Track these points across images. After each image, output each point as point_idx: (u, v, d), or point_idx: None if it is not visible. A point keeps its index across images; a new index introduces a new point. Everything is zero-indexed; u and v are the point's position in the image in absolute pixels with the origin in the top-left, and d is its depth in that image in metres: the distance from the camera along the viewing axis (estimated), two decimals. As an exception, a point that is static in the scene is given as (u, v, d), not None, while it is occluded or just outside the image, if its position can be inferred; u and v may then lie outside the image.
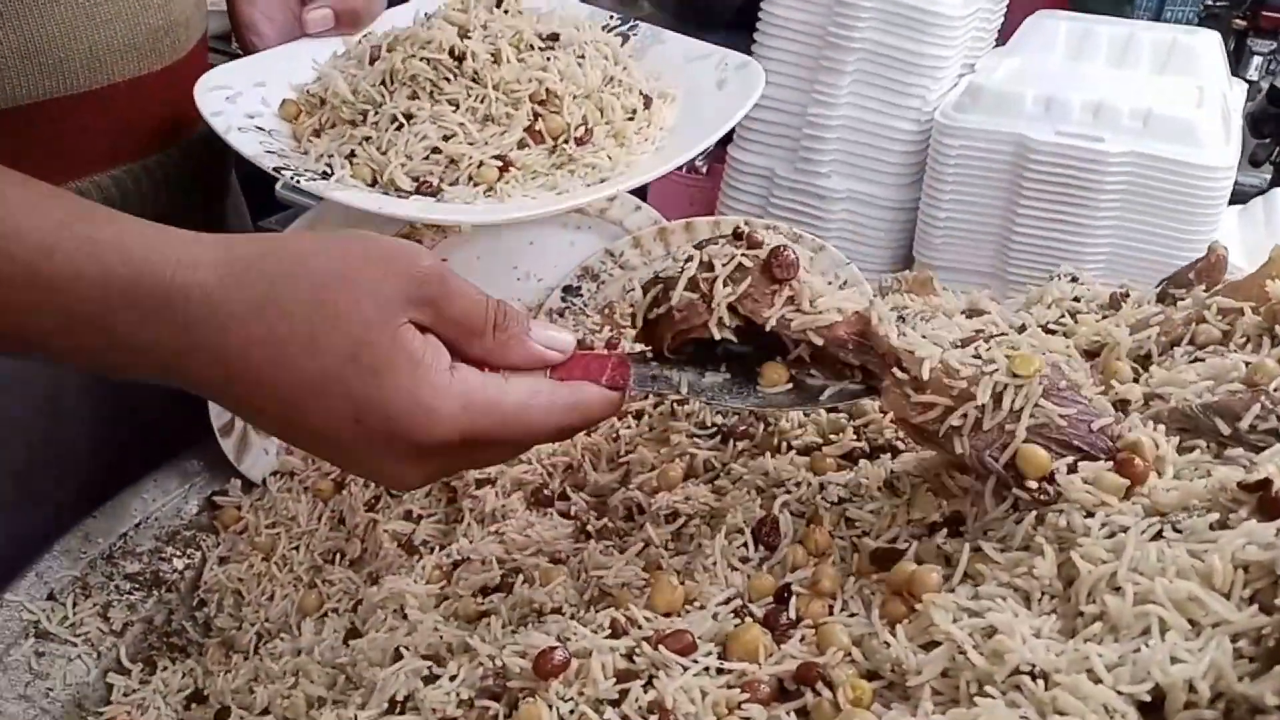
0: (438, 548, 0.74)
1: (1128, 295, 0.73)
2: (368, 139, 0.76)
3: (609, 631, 0.53)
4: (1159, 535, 0.47)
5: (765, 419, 0.68)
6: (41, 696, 0.69)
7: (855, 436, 0.66)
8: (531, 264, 1.03)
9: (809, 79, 1.32)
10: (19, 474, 0.82)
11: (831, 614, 0.53)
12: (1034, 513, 0.51)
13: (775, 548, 0.58)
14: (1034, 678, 0.42)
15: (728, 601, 0.55)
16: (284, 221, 1.75)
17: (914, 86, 1.28)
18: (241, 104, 0.78)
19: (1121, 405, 0.58)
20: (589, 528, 0.69)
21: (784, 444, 0.67)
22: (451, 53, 0.78)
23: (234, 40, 0.91)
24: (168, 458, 0.85)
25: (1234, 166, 1.14)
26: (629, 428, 0.75)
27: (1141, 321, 0.64)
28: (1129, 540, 0.46)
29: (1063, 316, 0.72)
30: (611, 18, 0.94)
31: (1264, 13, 3.19)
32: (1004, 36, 1.50)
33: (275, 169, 0.72)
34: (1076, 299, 0.75)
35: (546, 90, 0.79)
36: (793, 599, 0.53)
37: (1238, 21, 3.32)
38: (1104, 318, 0.72)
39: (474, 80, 0.77)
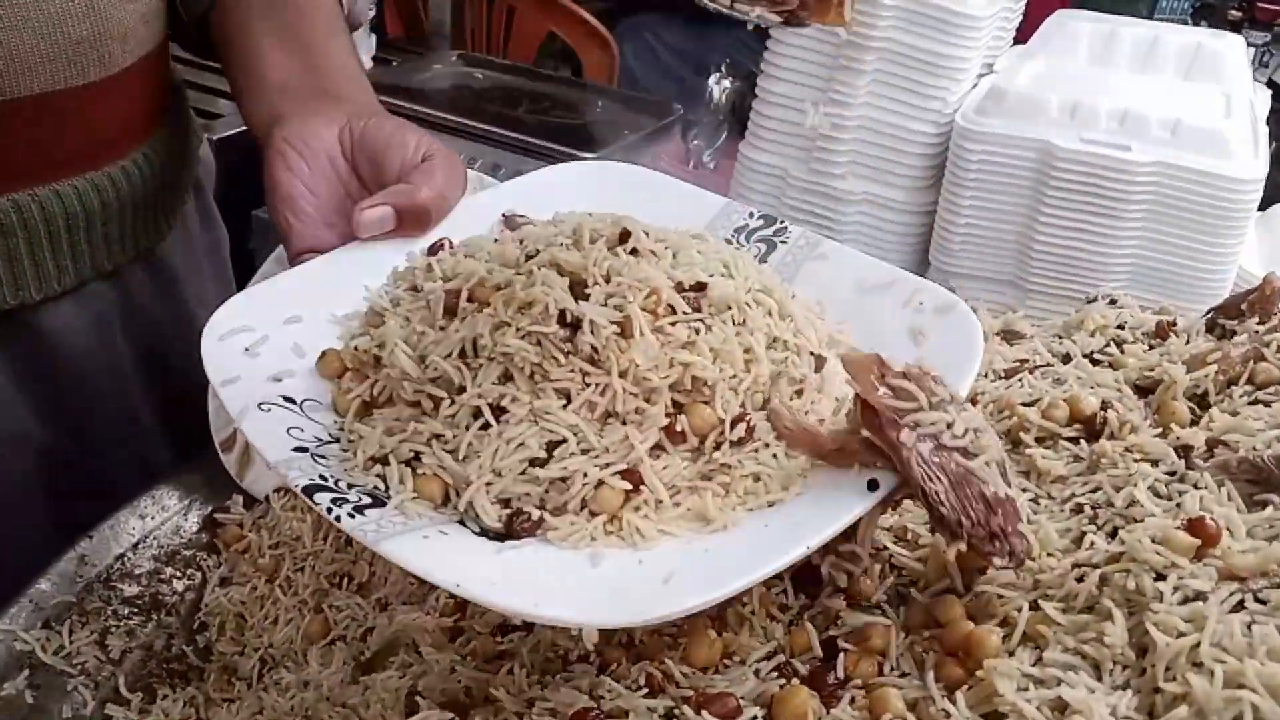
0: (452, 577, 0.71)
1: (1175, 324, 0.70)
2: (438, 437, 0.54)
3: (645, 689, 0.50)
4: (1240, 606, 0.44)
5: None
6: (37, 732, 0.66)
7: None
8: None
9: (826, 78, 1.28)
10: (15, 490, 0.79)
11: (882, 673, 0.50)
12: (1099, 572, 0.49)
13: (816, 597, 0.55)
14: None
15: (769, 657, 0.52)
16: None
17: (934, 88, 1.24)
18: (265, 357, 0.59)
19: (1184, 451, 0.55)
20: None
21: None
22: (562, 318, 0.54)
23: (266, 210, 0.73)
24: (167, 473, 0.82)
25: (1262, 179, 1.11)
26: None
27: (1197, 358, 0.62)
28: (1210, 611, 0.43)
29: (1108, 345, 0.69)
30: (751, 215, 0.71)
31: (1259, 4, 3.16)
32: (1020, 34, 1.47)
33: (305, 490, 0.51)
34: (1121, 326, 0.72)
35: (693, 378, 0.54)
36: (840, 656, 0.50)
37: (1233, 13, 3.30)
38: (1151, 347, 0.69)
39: (592, 362, 0.54)
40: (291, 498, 0.82)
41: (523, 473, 0.52)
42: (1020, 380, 0.65)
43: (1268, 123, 1.26)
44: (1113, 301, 0.78)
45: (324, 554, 0.77)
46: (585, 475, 0.52)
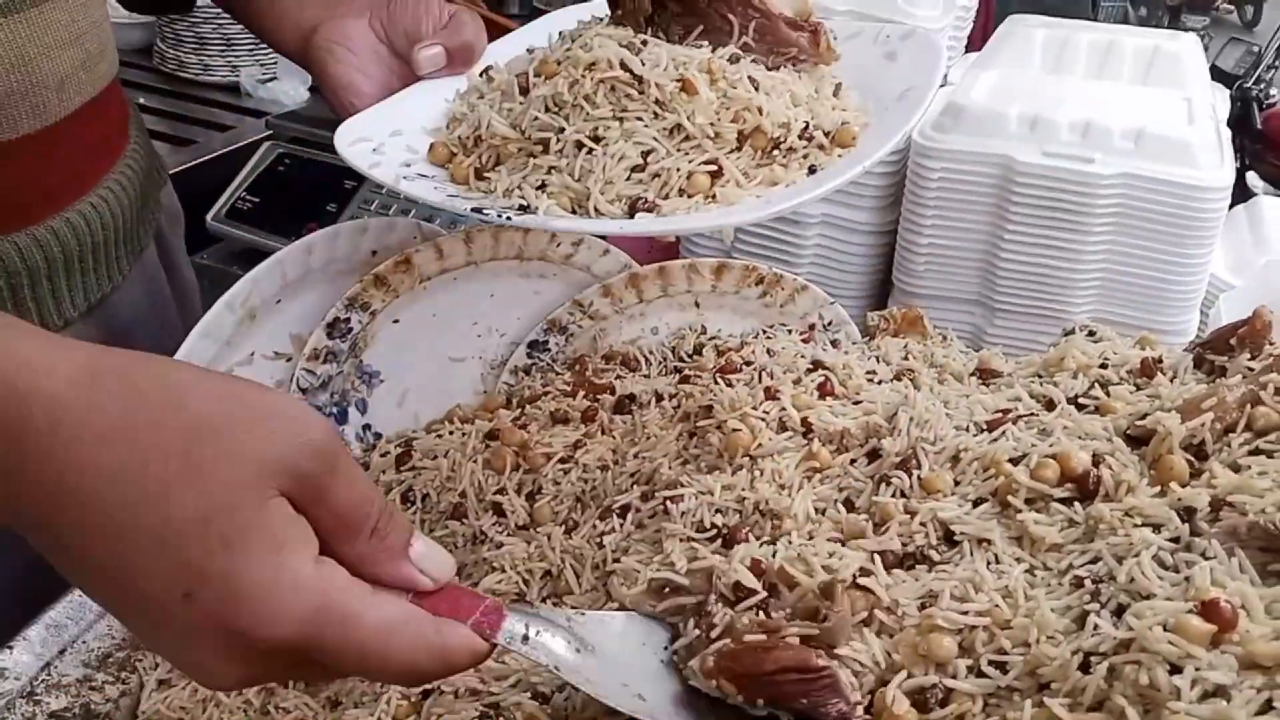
0: (405, 672, 0.65)
1: (1160, 361, 0.67)
2: (554, 168, 0.67)
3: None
4: (1269, 706, 0.40)
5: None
6: None
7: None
8: (493, 318, 0.95)
9: (778, 97, 1.24)
10: None
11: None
12: (1107, 663, 0.44)
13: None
14: None
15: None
16: (217, 255, 1.64)
17: (889, 104, 1.21)
18: (389, 154, 0.72)
19: (1187, 514, 0.51)
20: (577, 652, 0.60)
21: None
22: (625, 68, 0.68)
23: (328, 103, 0.83)
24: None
25: (1229, 185, 1.08)
26: (613, 530, 0.67)
27: (1191, 404, 0.58)
28: (1235, 714, 0.39)
29: (1092, 388, 0.66)
30: None
31: (1196, -14, 3.16)
32: (971, 39, 1.44)
33: (474, 209, 0.66)
34: (1104, 365, 0.68)
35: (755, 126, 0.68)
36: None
37: (1170, -2, 3.30)
38: (1138, 387, 0.66)
39: (660, 108, 0.67)
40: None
41: (628, 178, 0.66)
42: (1005, 433, 0.61)
43: (1229, 124, 1.24)
44: (1091, 333, 0.74)
45: (268, 648, 0.72)
46: (679, 169, 0.66)
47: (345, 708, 0.66)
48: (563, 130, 0.67)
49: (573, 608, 0.64)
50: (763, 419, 0.68)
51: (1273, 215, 1.31)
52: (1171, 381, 0.65)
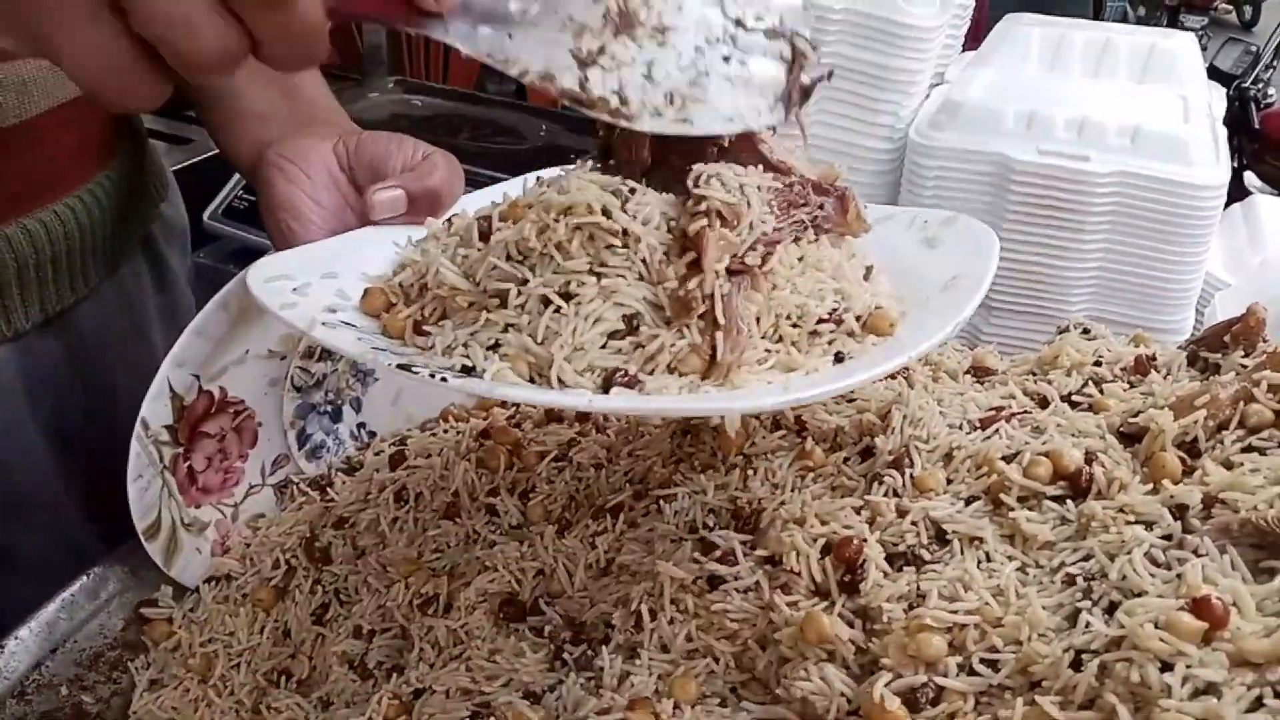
0: (394, 672, 0.65)
1: (1154, 358, 0.66)
2: (512, 326, 0.55)
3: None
4: (1259, 703, 0.40)
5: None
6: None
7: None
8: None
9: (774, 96, 1.24)
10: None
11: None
12: (1098, 660, 0.44)
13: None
14: None
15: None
16: (214, 254, 1.64)
17: (886, 102, 1.21)
18: (315, 296, 0.59)
19: (1179, 511, 0.51)
20: (565, 653, 0.60)
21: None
22: (606, 215, 0.55)
23: (266, 230, 0.72)
24: (84, 567, 0.75)
25: (1225, 183, 1.08)
26: (606, 530, 0.66)
27: (1184, 401, 0.58)
28: (1226, 712, 0.39)
29: (1086, 385, 0.65)
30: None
31: (1195, -13, 3.18)
32: (968, 37, 1.43)
33: (400, 366, 0.53)
34: (1098, 363, 0.68)
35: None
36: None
37: (1169, -2, 3.31)
38: (1131, 385, 0.65)
39: (646, 268, 0.55)
40: (223, 588, 0.76)
41: (604, 345, 0.54)
42: (998, 431, 0.61)
43: (1226, 124, 1.24)
44: (1085, 331, 0.74)
45: (260, 648, 0.72)
46: (673, 344, 0.53)
47: (336, 708, 0.66)
48: (526, 282, 0.55)
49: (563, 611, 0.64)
50: (756, 417, 0.68)
51: (1269, 214, 1.32)
52: (1165, 379, 0.64)
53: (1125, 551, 0.50)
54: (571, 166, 0.62)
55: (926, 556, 0.55)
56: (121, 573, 0.77)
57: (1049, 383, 0.67)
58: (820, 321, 0.57)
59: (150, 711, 0.69)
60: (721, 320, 0.53)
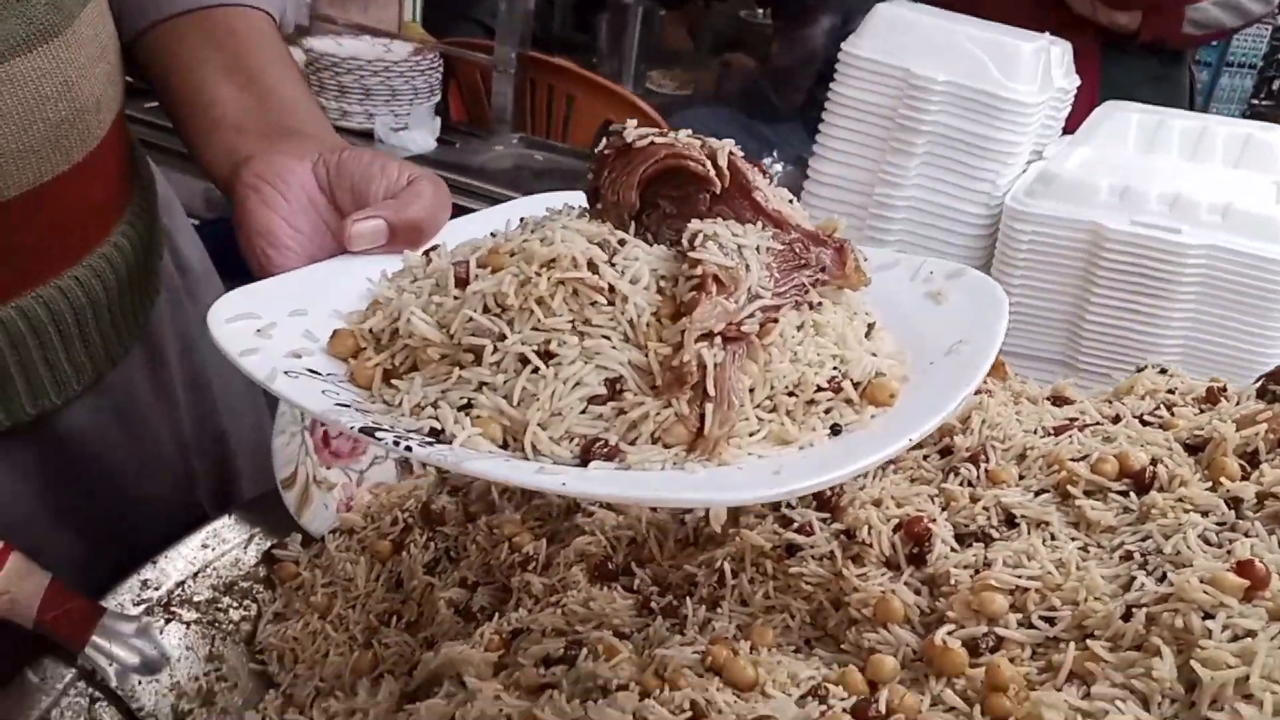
0: (496, 615, 0.72)
1: (1225, 389, 0.71)
2: (486, 385, 0.52)
3: (689, 713, 0.51)
4: (1292, 645, 0.44)
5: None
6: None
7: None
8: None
9: (877, 159, 1.32)
10: (86, 519, 0.81)
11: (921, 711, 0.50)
12: (1145, 611, 0.49)
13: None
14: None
15: (810, 691, 0.52)
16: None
17: (984, 171, 1.27)
18: (279, 339, 0.56)
19: (1234, 503, 0.55)
20: (652, 603, 0.66)
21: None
22: (592, 268, 0.53)
23: (243, 253, 0.67)
24: (229, 506, 0.84)
25: (1314, 264, 1.11)
26: (693, 510, 0.72)
27: (1248, 417, 0.62)
28: (1259, 646, 0.43)
29: (1158, 408, 0.70)
30: None
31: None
32: (1068, 125, 1.49)
33: (364, 430, 0.49)
34: (1171, 391, 0.72)
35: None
36: (883, 689, 0.51)
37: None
38: (1201, 411, 0.70)
39: (633, 330, 0.52)
40: (346, 540, 0.84)
41: (583, 411, 0.51)
42: (1070, 437, 0.66)
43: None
44: (1162, 370, 0.78)
45: (375, 594, 0.79)
46: (658, 413, 0.50)
47: (441, 645, 0.72)
48: (503, 338, 0.52)
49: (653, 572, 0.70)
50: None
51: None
52: (1236, 405, 0.69)
53: (1180, 533, 0.54)
54: (560, 193, 0.62)
55: (995, 535, 0.60)
56: (258, 517, 0.85)
57: (1124, 404, 0.71)
58: (818, 390, 0.54)
59: (271, 641, 0.77)
60: (712, 392, 0.50)
